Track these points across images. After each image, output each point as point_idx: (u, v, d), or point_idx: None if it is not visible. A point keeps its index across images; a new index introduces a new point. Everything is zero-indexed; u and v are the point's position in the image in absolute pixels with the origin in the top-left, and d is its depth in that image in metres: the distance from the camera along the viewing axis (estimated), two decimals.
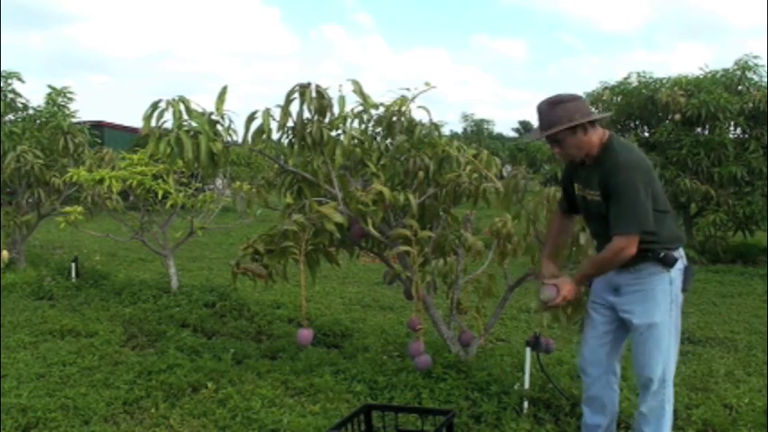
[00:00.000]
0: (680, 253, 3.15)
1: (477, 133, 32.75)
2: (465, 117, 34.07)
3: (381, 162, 4.62)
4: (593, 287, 3.37)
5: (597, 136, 3.06)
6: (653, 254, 3.05)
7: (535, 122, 3.19)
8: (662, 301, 3.09)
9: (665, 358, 3.13)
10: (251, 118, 4.19)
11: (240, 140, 4.33)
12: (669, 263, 3.06)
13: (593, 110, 3.13)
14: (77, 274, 8.17)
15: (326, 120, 4.34)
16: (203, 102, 4.16)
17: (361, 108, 4.58)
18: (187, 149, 3.88)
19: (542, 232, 3.99)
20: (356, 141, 4.57)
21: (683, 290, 3.17)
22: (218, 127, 4.10)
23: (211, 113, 4.06)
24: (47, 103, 9.56)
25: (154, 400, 4.18)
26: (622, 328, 3.26)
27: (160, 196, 7.34)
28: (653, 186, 2.99)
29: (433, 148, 4.53)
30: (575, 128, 3.00)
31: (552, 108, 3.03)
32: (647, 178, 2.95)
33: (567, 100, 3.02)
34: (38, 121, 9.54)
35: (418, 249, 4.21)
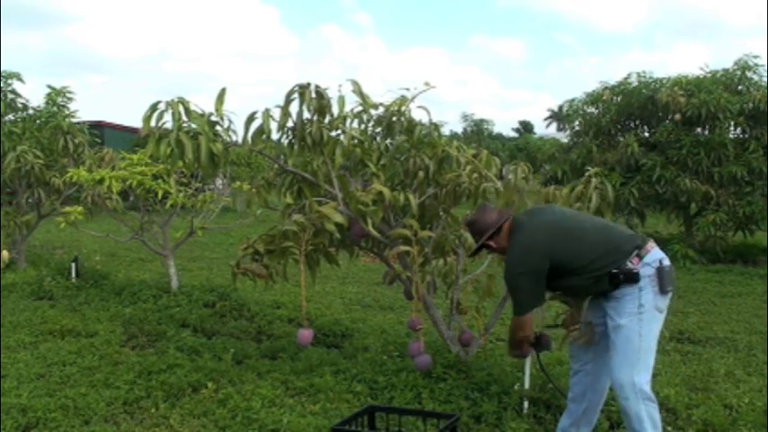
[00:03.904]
0: (649, 258, 3.20)
1: (477, 133, 32.75)
2: (464, 117, 34.09)
3: (381, 162, 4.62)
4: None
5: (505, 232, 3.48)
6: (610, 280, 3.20)
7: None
8: (628, 305, 3.19)
9: (632, 361, 3.16)
10: (251, 118, 4.20)
11: (240, 141, 4.33)
12: (630, 280, 3.18)
13: (496, 215, 3.54)
14: (77, 274, 8.17)
15: (326, 120, 4.34)
16: (203, 102, 4.17)
17: (360, 108, 4.58)
18: (187, 150, 3.88)
19: None
20: (356, 141, 4.57)
21: (664, 291, 3.18)
22: (218, 128, 4.11)
23: (211, 114, 4.06)
24: (47, 103, 9.57)
25: (154, 400, 4.18)
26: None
27: (160, 196, 7.34)
28: (543, 250, 3.25)
29: (432, 148, 4.53)
30: (490, 236, 3.49)
31: (470, 228, 3.61)
32: (529, 256, 3.27)
33: (474, 220, 3.56)
34: (38, 121, 9.55)
35: (418, 249, 4.22)
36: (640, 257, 3.20)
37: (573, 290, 3.47)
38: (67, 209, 7.45)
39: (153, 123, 3.92)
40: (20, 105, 9.69)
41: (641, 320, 3.16)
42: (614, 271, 3.19)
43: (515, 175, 4.32)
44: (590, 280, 3.26)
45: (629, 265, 3.19)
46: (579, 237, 3.30)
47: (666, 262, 3.24)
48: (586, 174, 4.34)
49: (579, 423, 3.54)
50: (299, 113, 4.29)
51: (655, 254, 3.23)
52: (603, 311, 3.33)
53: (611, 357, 3.26)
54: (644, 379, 3.17)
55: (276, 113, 4.23)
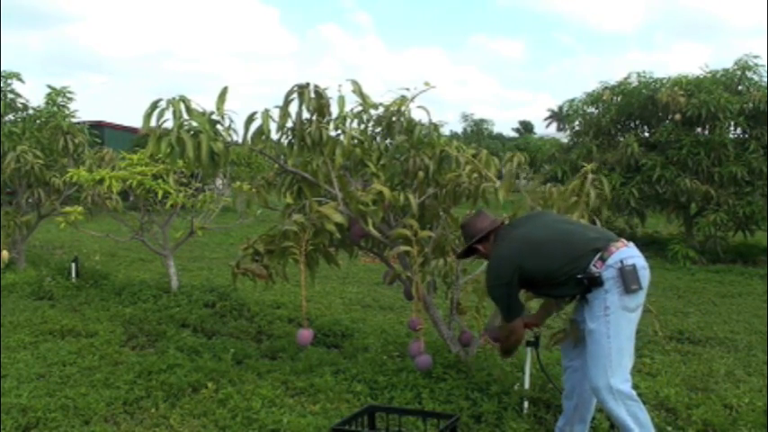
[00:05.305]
0: (611, 260, 3.21)
1: (477, 133, 32.80)
2: (464, 117, 34.15)
3: (381, 162, 4.62)
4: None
5: (492, 240, 3.63)
6: (577, 284, 3.28)
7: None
8: (596, 308, 3.24)
9: (604, 364, 3.17)
10: (250, 119, 4.19)
11: (240, 140, 4.33)
12: (594, 283, 3.23)
13: (488, 222, 3.67)
14: (77, 274, 8.16)
15: (326, 120, 4.34)
16: (203, 102, 4.15)
17: (360, 108, 4.58)
18: (188, 149, 3.87)
19: None
20: (356, 141, 4.57)
21: (630, 290, 3.17)
22: (219, 127, 4.11)
23: (212, 113, 4.06)
24: (47, 103, 9.57)
25: (154, 400, 4.18)
26: None
27: (160, 196, 7.33)
28: (514, 263, 3.36)
29: (432, 148, 4.53)
30: (478, 240, 3.64)
31: (462, 230, 3.78)
32: (501, 269, 3.40)
33: (466, 224, 3.73)
34: (38, 121, 9.54)
35: (418, 249, 4.21)
36: (604, 260, 3.23)
37: (555, 297, 3.59)
38: (67, 209, 7.44)
39: (153, 121, 3.92)
40: (20, 105, 9.68)
41: (608, 322, 3.19)
42: (579, 276, 3.25)
43: (511, 165, 4.37)
44: (562, 287, 3.34)
45: (593, 269, 3.23)
46: (545, 246, 3.39)
47: (630, 261, 3.21)
48: (582, 170, 4.36)
49: (573, 421, 3.57)
50: (299, 113, 4.29)
51: (618, 255, 3.23)
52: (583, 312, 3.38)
53: (587, 362, 3.31)
54: (620, 379, 3.18)
55: (275, 114, 4.23)
